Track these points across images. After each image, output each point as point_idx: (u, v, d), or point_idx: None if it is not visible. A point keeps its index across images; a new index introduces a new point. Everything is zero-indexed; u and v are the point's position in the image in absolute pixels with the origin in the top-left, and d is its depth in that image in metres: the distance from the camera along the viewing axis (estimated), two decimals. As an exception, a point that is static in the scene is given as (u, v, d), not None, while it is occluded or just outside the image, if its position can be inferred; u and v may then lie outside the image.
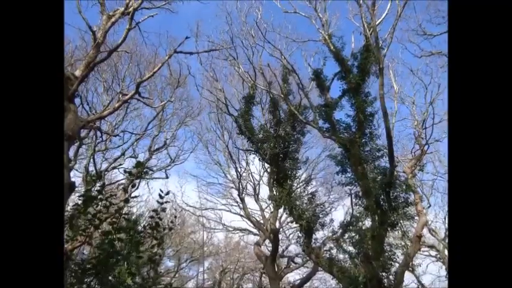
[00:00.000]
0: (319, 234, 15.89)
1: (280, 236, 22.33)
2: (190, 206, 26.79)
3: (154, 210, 5.37)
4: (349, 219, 15.47)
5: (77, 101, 15.67)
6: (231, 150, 22.58)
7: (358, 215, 14.86)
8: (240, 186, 22.69)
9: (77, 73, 9.47)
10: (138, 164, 4.70)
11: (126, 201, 5.59)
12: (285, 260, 26.40)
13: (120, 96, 15.76)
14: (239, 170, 22.81)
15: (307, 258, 20.51)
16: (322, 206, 17.20)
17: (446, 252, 26.34)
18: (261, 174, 24.23)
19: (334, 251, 15.12)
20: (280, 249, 23.76)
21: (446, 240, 26.76)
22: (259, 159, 18.45)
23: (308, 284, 27.18)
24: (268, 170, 19.33)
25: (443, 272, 27.35)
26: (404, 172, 16.65)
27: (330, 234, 15.73)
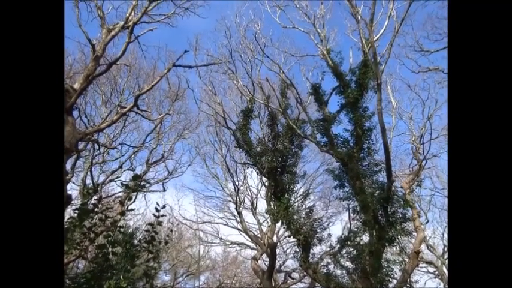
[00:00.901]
0: (317, 249, 15.81)
1: (277, 251, 22.15)
2: (187, 220, 26.65)
3: (150, 224, 5.32)
4: (346, 234, 15.40)
5: (75, 113, 15.70)
6: (228, 163, 22.57)
7: (355, 230, 14.78)
8: (238, 199, 22.60)
9: (76, 86, 9.50)
10: (136, 177, 4.67)
11: (122, 214, 5.55)
12: (282, 275, 26.15)
13: (119, 108, 15.81)
14: (237, 183, 22.76)
15: (305, 273, 20.34)
16: (319, 220, 17.13)
17: (444, 268, 26.16)
18: (259, 188, 24.18)
19: (331, 266, 15.00)
20: (277, 264, 23.55)
21: (445, 257, 26.60)
22: (257, 172, 18.41)
23: (305, 299, 26.91)
24: (266, 183, 19.28)
25: (442, 289, 27.11)
26: (402, 187, 16.64)
27: (328, 249, 15.63)
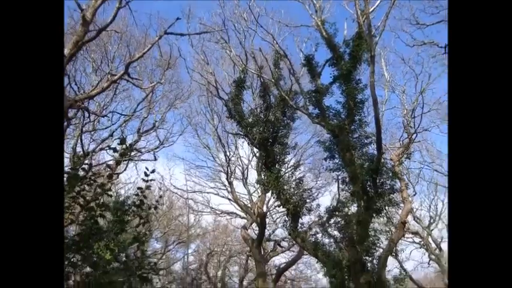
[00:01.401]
0: (306, 219, 16.09)
1: (267, 220, 22.57)
2: (178, 189, 26.86)
3: (139, 188, 5.35)
4: (335, 204, 15.66)
5: (65, 80, 15.46)
6: (220, 134, 22.61)
7: (344, 200, 15.05)
8: (229, 170, 22.78)
9: (65, 51, 9.32)
10: (123, 141, 4.66)
11: (110, 177, 5.57)
12: (271, 243, 26.74)
13: (109, 76, 15.59)
14: (228, 154, 22.87)
15: (293, 242, 20.80)
16: (309, 191, 17.37)
17: (430, 239, 26.91)
18: (250, 159, 24.34)
19: (319, 236, 15.34)
20: (266, 233, 24.03)
21: (431, 228, 27.32)
22: (248, 143, 18.49)
23: (293, 267, 27.64)
24: (257, 154, 19.40)
25: (426, 259, 27.96)
26: (391, 160, 16.84)
27: (316, 219, 15.92)
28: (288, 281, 30.17)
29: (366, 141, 15.08)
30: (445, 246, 27.89)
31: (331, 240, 14.90)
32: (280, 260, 27.51)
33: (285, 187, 15.84)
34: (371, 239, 13.72)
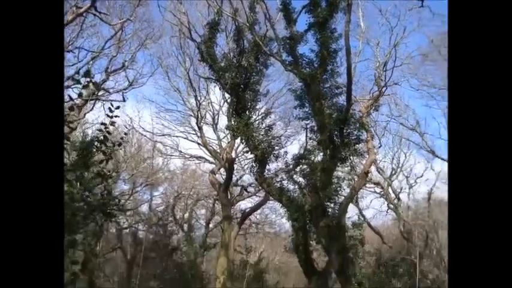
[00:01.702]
0: (273, 166, 16.42)
1: (235, 166, 22.88)
2: (147, 131, 26.60)
3: (103, 124, 5.23)
4: (302, 152, 16.00)
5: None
6: (191, 77, 22.16)
7: (311, 148, 15.38)
8: (199, 114, 22.63)
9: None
10: (87, 74, 4.47)
11: (71, 109, 5.42)
12: (238, 188, 27.31)
13: (75, 9, 14.73)
14: (199, 98, 22.59)
15: (259, 187, 21.31)
16: (278, 139, 17.61)
17: (390, 189, 28.17)
18: (221, 104, 24.18)
19: (285, 182, 15.77)
20: (234, 178, 24.45)
21: (391, 179, 28.52)
22: (219, 88, 18.26)
23: (259, 211, 28.54)
24: (228, 100, 19.26)
25: (385, 208, 29.42)
26: (360, 111, 17.13)
27: (283, 166, 16.27)
28: (253, 225, 31.22)
29: (336, 91, 15.21)
30: (403, 196, 29.36)
31: (296, 186, 15.38)
32: (246, 204, 28.26)
33: (254, 134, 15.96)
34: (334, 186, 14.24)
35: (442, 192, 29.31)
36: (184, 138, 26.38)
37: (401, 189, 29.19)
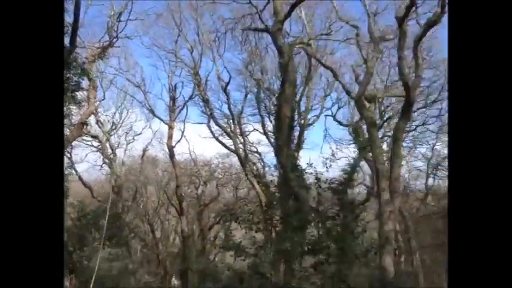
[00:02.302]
0: None
1: None
2: None
3: None
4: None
5: None
6: None
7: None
8: None
9: None
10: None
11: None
12: None
13: None
14: None
15: None
16: None
17: (108, 144, 27.88)
18: None
19: None
20: None
21: (111, 134, 28.30)
22: None
23: None
24: None
25: (100, 162, 29.04)
26: (86, 58, 16.02)
27: None
28: None
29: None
30: (119, 151, 29.59)
31: None
32: None
33: None
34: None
35: (156, 151, 31.27)
36: None
37: (118, 145, 29.35)
